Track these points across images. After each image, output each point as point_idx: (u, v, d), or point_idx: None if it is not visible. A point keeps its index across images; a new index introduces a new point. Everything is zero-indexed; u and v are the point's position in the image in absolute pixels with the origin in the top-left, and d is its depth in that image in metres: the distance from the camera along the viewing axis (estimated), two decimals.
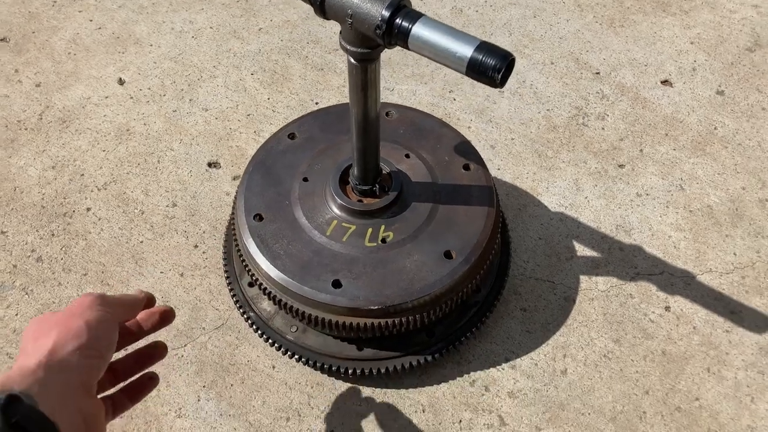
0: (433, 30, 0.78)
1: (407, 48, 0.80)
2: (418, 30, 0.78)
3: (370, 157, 1.04)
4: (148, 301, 0.84)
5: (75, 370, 0.66)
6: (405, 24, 0.79)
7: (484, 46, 0.76)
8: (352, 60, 0.89)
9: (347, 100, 1.51)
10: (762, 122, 1.47)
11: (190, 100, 1.52)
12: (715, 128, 1.46)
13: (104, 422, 0.71)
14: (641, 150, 1.43)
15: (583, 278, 1.24)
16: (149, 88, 1.54)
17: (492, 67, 0.75)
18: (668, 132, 1.46)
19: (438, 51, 0.78)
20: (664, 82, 1.55)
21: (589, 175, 1.39)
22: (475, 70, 0.77)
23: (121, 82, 1.55)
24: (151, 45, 1.63)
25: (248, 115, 1.49)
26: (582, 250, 1.28)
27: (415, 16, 0.79)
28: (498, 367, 1.15)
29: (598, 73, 1.57)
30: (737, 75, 1.56)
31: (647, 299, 1.22)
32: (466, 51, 0.76)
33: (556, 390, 1.12)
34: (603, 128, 1.47)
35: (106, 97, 1.52)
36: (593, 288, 1.23)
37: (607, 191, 1.36)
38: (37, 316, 0.74)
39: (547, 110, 1.49)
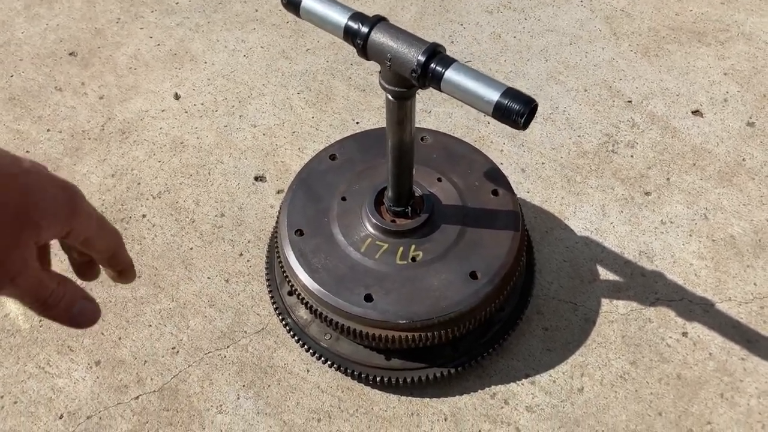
0: (464, 75, 0.86)
1: (440, 90, 0.88)
2: (451, 75, 0.86)
3: (404, 182, 1.12)
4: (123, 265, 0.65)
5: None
6: (439, 69, 0.87)
7: (509, 92, 0.84)
8: (390, 97, 0.97)
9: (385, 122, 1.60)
10: None
11: (240, 116, 1.62)
12: (744, 159, 1.50)
13: None
14: (668, 179, 1.48)
15: (604, 301, 1.30)
16: (202, 104, 1.65)
17: (516, 111, 0.83)
18: (696, 162, 1.50)
19: (467, 94, 0.86)
20: (695, 112, 1.60)
21: (616, 202, 1.44)
22: (500, 113, 0.84)
23: (176, 96, 1.66)
24: (206, 62, 1.74)
25: (293, 132, 1.59)
26: (605, 274, 1.34)
27: (448, 62, 0.87)
28: (518, 382, 1.21)
29: (630, 102, 1.62)
30: None
31: (665, 324, 1.27)
32: (493, 96, 0.84)
33: (572, 407, 1.18)
34: (632, 156, 1.52)
35: (163, 111, 1.63)
36: (613, 311, 1.29)
37: (632, 218, 1.42)
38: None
39: (578, 136, 1.55)
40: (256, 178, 1.51)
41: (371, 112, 1.62)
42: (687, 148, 1.53)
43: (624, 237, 1.39)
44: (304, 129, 1.59)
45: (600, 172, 1.49)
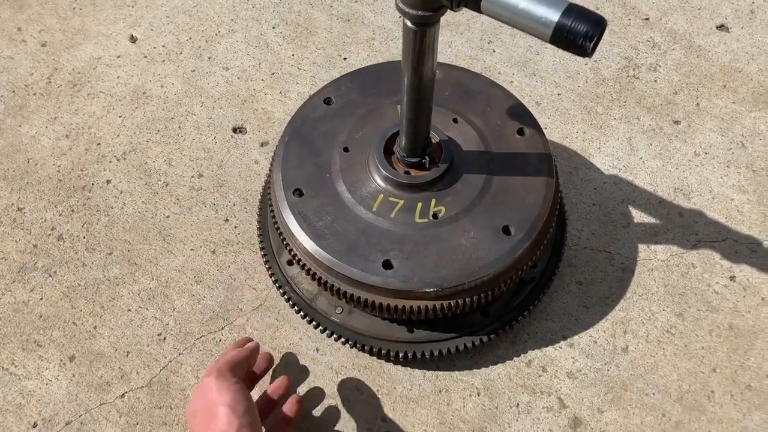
0: None
1: (478, 11, 0.70)
2: None
3: (421, 128, 0.95)
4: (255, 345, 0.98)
5: None
6: None
7: (573, 9, 0.66)
8: (409, 23, 0.78)
9: (377, 54, 1.41)
10: None
11: (209, 58, 1.40)
12: None
13: None
14: (698, 104, 1.33)
15: (641, 247, 1.17)
16: (164, 46, 1.42)
17: (583, 34, 0.66)
18: (726, 83, 1.35)
19: (517, 15, 0.68)
20: (720, 27, 1.43)
21: (643, 133, 1.29)
22: (562, 38, 0.67)
23: (132, 39, 1.44)
24: None
25: (272, 73, 1.38)
26: (639, 216, 1.20)
27: None
28: (555, 345, 1.08)
29: (647, 19, 1.45)
30: None
31: (710, 269, 1.14)
32: (552, 15, 0.66)
33: (618, 369, 1.06)
34: (655, 80, 1.36)
35: (118, 57, 1.41)
36: (652, 258, 1.16)
37: (663, 151, 1.27)
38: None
39: (595, 61, 1.38)
40: (234, 130, 1.31)
41: (359, 46, 1.42)
42: (715, 68, 1.37)
43: (656, 173, 1.24)
44: (285, 69, 1.39)
45: (622, 100, 1.33)
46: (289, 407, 0.97)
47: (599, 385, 1.05)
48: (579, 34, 0.66)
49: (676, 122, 1.30)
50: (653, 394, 1.04)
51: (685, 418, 1.02)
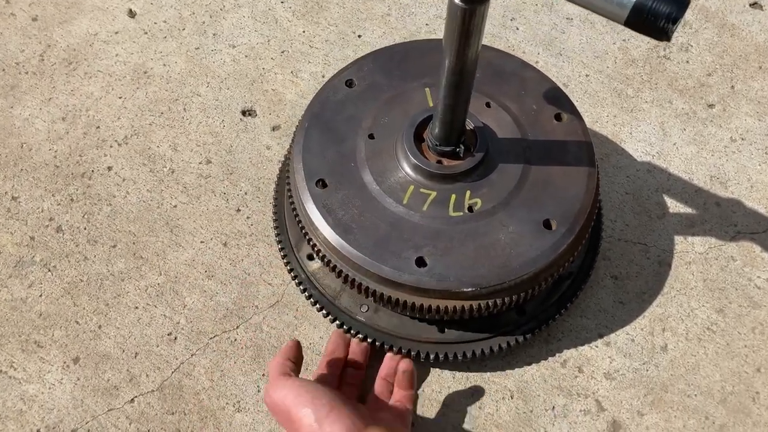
0: None
1: None
2: None
3: (459, 114, 0.88)
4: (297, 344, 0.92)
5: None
6: None
7: None
8: (457, 1, 0.71)
9: (394, 32, 1.33)
10: None
11: (214, 34, 1.31)
12: None
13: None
14: (732, 86, 1.26)
15: (677, 239, 1.11)
16: (165, 21, 1.33)
17: (665, 15, 0.58)
18: (762, 64, 1.29)
19: None
20: (753, 4, 1.37)
21: (676, 117, 1.23)
22: (640, 19, 0.60)
23: (131, 13, 1.34)
24: None
25: (282, 51, 1.30)
26: (674, 206, 1.14)
27: None
28: (591, 344, 1.02)
29: None
30: None
31: (751, 262, 1.09)
32: None
33: (657, 369, 1.00)
34: (687, 61, 1.29)
35: (116, 33, 1.31)
36: (690, 250, 1.10)
37: (697, 136, 1.21)
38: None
39: (623, 41, 1.31)
40: (243, 113, 1.23)
41: (374, 22, 1.34)
42: (750, 48, 1.31)
43: (690, 160, 1.18)
44: (295, 47, 1.30)
45: (654, 82, 1.27)
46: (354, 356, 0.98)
47: (638, 386, 0.99)
48: (660, 16, 0.58)
49: (711, 106, 1.24)
50: (695, 395, 0.99)
51: (730, 421, 0.97)
